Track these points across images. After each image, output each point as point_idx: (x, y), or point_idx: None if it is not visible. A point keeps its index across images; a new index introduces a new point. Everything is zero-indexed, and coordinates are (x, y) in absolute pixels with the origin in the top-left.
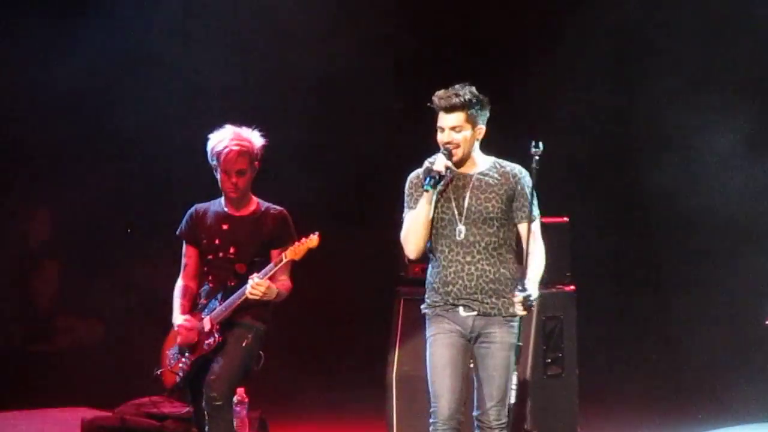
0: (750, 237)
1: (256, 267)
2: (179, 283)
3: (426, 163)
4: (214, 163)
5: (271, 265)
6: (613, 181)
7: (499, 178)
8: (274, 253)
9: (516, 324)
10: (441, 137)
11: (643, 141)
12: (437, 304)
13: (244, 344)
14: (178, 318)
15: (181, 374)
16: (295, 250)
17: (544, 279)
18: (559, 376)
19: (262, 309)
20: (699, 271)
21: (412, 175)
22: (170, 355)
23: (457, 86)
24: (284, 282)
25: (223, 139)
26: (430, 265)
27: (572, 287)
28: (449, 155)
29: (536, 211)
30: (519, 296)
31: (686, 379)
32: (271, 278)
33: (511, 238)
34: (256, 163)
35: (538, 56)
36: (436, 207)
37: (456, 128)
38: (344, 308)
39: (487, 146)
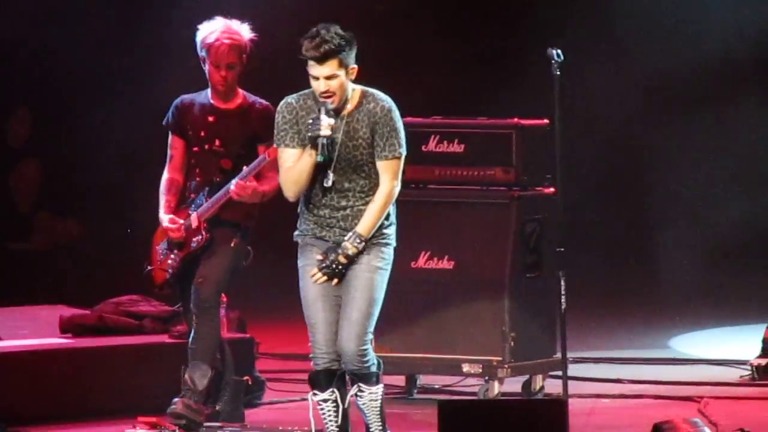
0: None
1: (242, 163)
2: (165, 177)
3: (309, 126)
4: (203, 54)
5: (254, 163)
6: (598, 82)
7: (364, 118)
8: (261, 148)
9: (387, 250)
10: (317, 86)
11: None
12: (306, 233)
13: (232, 244)
14: (164, 217)
15: (170, 271)
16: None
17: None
18: (539, 279)
19: (251, 206)
20: (683, 171)
21: (284, 105)
22: (159, 251)
23: (321, 31)
24: (272, 179)
25: (214, 30)
26: (304, 197)
27: (552, 189)
28: (328, 111)
29: (391, 149)
30: (320, 259)
31: (665, 280)
32: (257, 175)
33: None
34: (245, 56)
35: None
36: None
37: (331, 77)
38: None
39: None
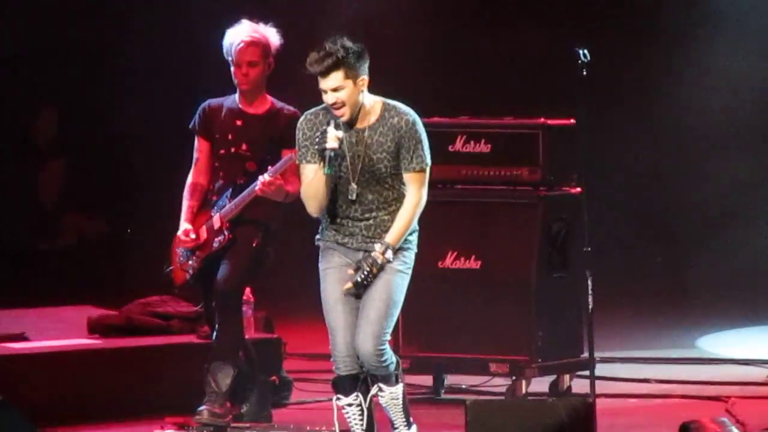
0: None
1: (267, 165)
2: (189, 181)
3: (317, 140)
4: (230, 57)
5: (281, 161)
6: (623, 86)
7: (387, 132)
8: (285, 153)
9: (408, 254)
10: (326, 99)
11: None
12: (328, 239)
13: (254, 244)
14: (182, 225)
15: (190, 272)
16: None
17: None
18: (565, 278)
19: (273, 207)
20: (710, 169)
21: (304, 121)
22: (180, 253)
23: (327, 44)
24: (294, 183)
25: (238, 32)
26: (326, 207)
27: (578, 189)
28: (336, 125)
29: (418, 161)
30: (351, 273)
31: (692, 279)
32: (281, 177)
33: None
34: (270, 59)
35: None
36: (334, 165)
37: (337, 89)
38: None
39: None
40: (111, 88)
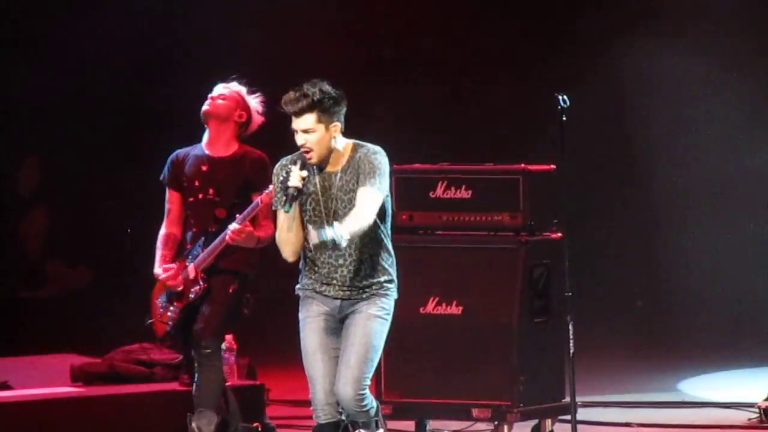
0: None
1: (237, 211)
2: (162, 232)
3: (283, 179)
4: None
5: (249, 208)
6: (601, 129)
7: (353, 170)
8: (254, 197)
9: (387, 301)
10: (296, 139)
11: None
12: (307, 287)
13: (231, 290)
14: (158, 270)
15: (170, 323)
16: (271, 194)
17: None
18: (547, 323)
19: (248, 254)
20: (688, 215)
21: (278, 167)
22: (159, 305)
23: (305, 85)
24: (266, 227)
25: (215, 88)
26: (302, 254)
27: (559, 234)
28: (303, 164)
29: (372, 183)
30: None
31: (673, 324)
32: (252, 223)
33: (380, 226)
34: (240, 114)
35: None
36: (307, 208)
37: (308, 131)
38: None
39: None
40: (93, 136)
